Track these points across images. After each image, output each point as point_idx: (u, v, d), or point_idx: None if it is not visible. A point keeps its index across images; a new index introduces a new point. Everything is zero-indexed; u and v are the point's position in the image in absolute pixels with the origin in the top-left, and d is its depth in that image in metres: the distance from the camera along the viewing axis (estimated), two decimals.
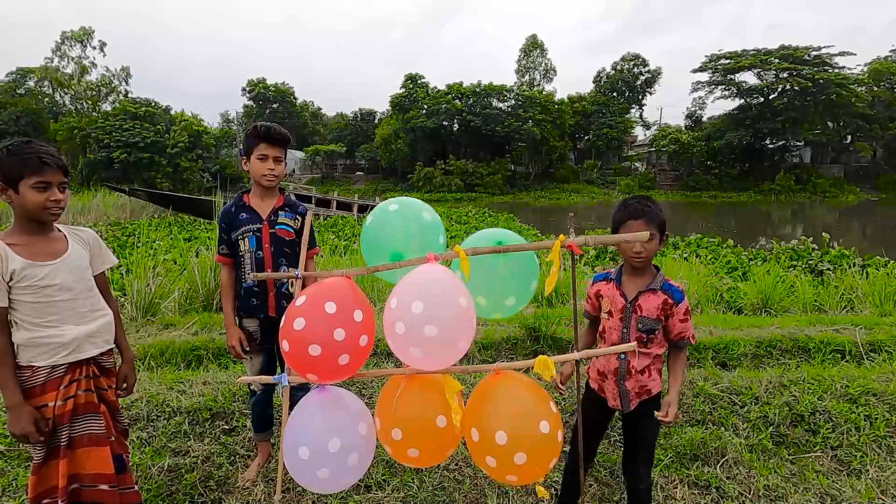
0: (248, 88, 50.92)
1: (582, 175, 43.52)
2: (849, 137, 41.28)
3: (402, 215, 1.83)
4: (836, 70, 36.65)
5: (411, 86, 41.25)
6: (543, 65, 48.95)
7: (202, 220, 17.76)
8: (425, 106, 40.01)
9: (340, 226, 16.42)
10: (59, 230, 1.85)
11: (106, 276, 2.00)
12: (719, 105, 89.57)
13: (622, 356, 1.94)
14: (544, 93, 43.68)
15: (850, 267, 6.71)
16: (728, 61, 39.11)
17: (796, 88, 36.49)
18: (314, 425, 1.64)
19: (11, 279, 1.67)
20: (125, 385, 2.01)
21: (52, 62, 40.06)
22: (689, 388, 3.18)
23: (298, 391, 2.02)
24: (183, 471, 2.48)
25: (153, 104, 39.02)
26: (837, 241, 9.70)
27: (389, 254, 1.76)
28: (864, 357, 3.83)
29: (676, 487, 2.44)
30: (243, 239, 2.35)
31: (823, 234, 9.39)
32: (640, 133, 52.22)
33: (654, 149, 43.53)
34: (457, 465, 2.60)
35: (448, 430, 1.63)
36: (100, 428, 1.82)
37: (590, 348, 2.09)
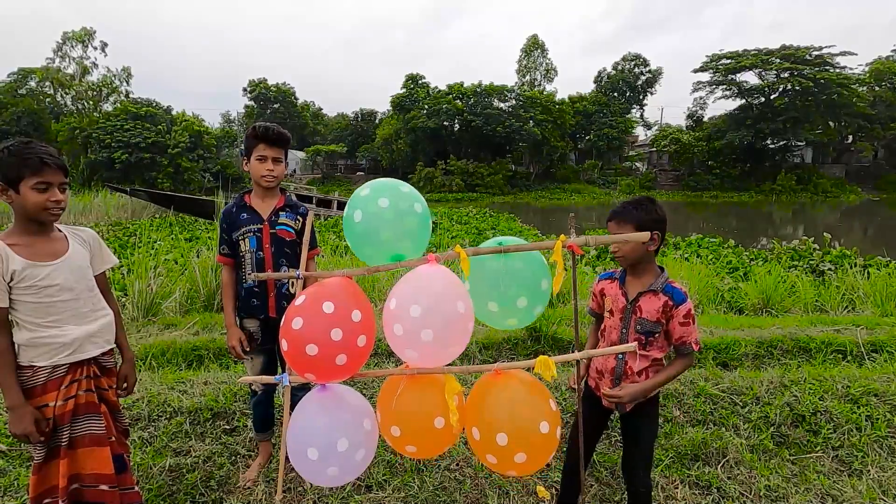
0: (249, 88, 50.99)
1: (583, 175, 43.51)
2: (850, 137, 41.22)
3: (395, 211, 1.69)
4: (838, 70, 36.62)
5: (412, 86, 41.27)
6: (544, 65, 48.97)
7: (203, 221, 17.76)
8: (426, 106, 40.02)
9: (341, 226, 16.40)
10: (60, 230, 1.85)
11: (106, 276, 2.01)
12: (720, 105, 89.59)
13: (620, 357, 1.93)
14: (545, 93, 43.70)
15: (851, 267, 6.70)
16: (729, 61, 39.09)
17: (797, 88, 36.46)
18: (321, 427, 1.65)
19: (12, 279, 1.67)
20: (125, 385, 2.01)
21: (54, 62, 40.16)
22: (690, 389, 3.17)
23: (299, 391, 2.02)
24: (184, 471, 2.49)
25: (154, 104, 39.06)
26: (839, 242, 9.68)
27: (389, 255, 1.75)
28: (866, 357, 3.83)
29: (677, 488, 2.44)
30: (244, 239, 2.36)
31: (825, 234, 9.38)
32: (641, 133, 52.24)
33: (655, 149, 43.50)
34: (458, 464, 2.60)
35: (445, 431, 1.65)
36: (100, 428, 1.82)
37: (595, 347, 2.08)
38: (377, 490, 2.40)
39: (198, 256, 6.19)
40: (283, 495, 2.35)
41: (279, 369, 2.49)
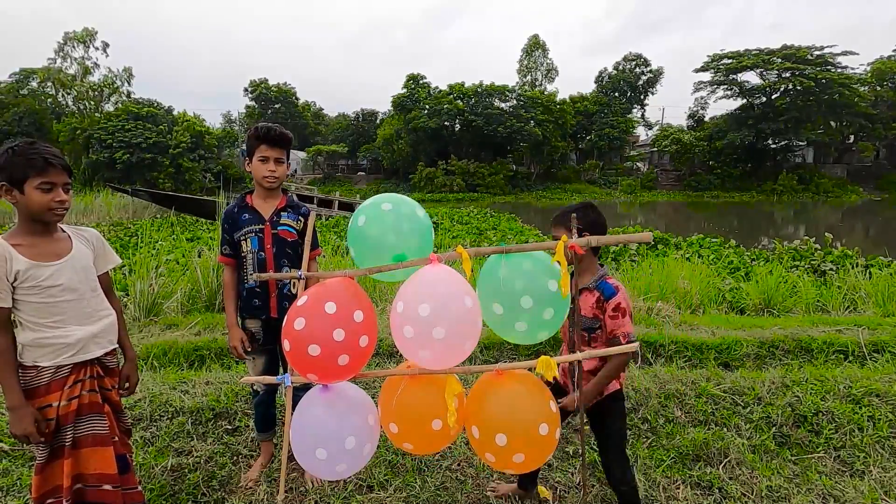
0: (250, 89, 51.01)
1: (584, 175, 43.49)
2: (851, 137, 41.16)
3: (397, 215, 1.77)
4: (839, 70, 36.57)
5: (413, 86, 41.27)
6: (545, 65, 48.93)
7: (204, 221, 17.79)
8: (427, 106, 40.02)
9: (342, 226, 16.42)
10: (63, 230, 1.85)
11: (109, 275, 2.01)
12: (721, 105, 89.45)
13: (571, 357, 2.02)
14: (546, 93, 43.67)
15: (853, 267, 6.69)
16: (730, 61, 39.05)
17: (799, 88, 36.42)
18: (330, 428, 1.66)
19: (16, 279, 1.68)
20: (127, 385, 2.01)
21: (55, 63, 40.22)
22: (692, 389, 3.17)
23: (301, 391, 2.03)
24: (186, 471, 2.49)
25: (155, 105, 39.10)
26: (840, 242, 9.67)
27: (392, 255, 1.76)
28: (868, 358, 3.82)
29: (679, 488, 2.44)
30: (245, 240, 2.36)
31: (826, 234, 9.37)
32: (642, 133, 52.21)
33: (656, 149, 43.48)
34: (459, 465, 2.60)
35: (442, 432, 1.65)
36: (103, 428, 1.82)
37: (562, 345, 2.14)
38: (379, 490, 2.40)
39: (199, 256, 6.19)
40: (285, 495, 2.35)
41: (281, 369, 2.49)
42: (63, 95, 40.85)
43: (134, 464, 2.30)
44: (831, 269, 7.10)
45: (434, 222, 15.34)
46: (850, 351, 3.89)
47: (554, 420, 1.60)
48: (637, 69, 47.33)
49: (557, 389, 2.06)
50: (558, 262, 1.63)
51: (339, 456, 1.65)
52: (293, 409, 1.76)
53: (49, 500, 1.77)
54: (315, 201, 20.87)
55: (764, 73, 38.45)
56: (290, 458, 2.29)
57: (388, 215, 1.74)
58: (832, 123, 38.85)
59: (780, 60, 37.08)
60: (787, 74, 37.23)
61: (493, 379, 1.68)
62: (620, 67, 47.55)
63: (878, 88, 38.16)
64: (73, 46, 40.30)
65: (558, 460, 2.64)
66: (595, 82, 48.58)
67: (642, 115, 49.76)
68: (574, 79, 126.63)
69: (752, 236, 17.09)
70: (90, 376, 1.82)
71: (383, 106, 57.77)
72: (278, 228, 2.37)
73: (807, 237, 9.08)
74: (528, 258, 1.66)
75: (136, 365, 2.07)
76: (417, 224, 1.77)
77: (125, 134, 34.26)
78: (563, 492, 2.41)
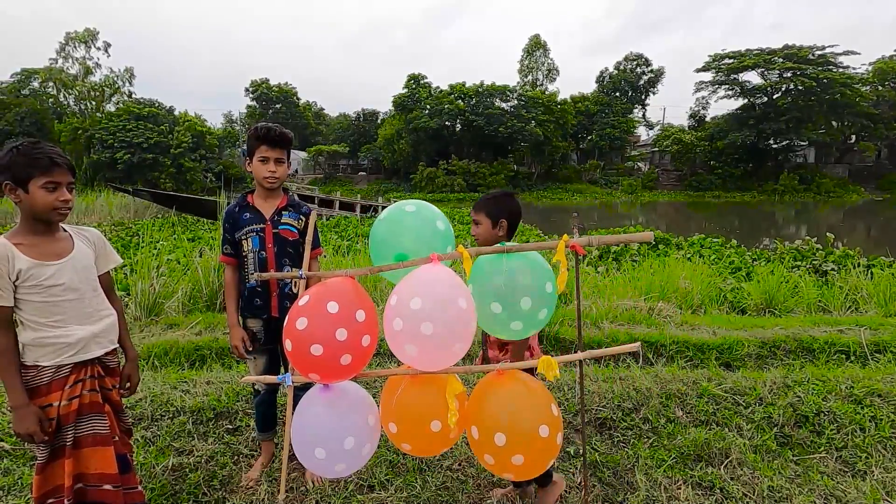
0: (251, 89, 51.08)
1: (585, 175, 43.49)
2: (853, 137, 41.10)
3: (419, 218, 1.84)
4: (841, 69, 36.56)
5: (414, 86, 41.29)
6: (546, 65, 48.95)
7: (205, 220, 17.82)
8: (428, 106, 40.04)
9: (343, 226, 16.44)
10: (65, 230, 1.85)
11: (110, 275, 2.01)
12: (723, 105, 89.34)
13: (482, 347, 2.13)
14: (547, 93, 43.68)
15: (854, 267, 6.68)
16: (731, 61, 39.04)
17: (800, 88, 36.40)
18: (328, 428, 1.66)
19: (18, 279, 1.68)
20: (128, 384, 2.01)
21: (57, 63, 40.30)
22: (693, 389, 3.17)
23: (302, 391, 2.02)
24: (187, 470, 2.49)
25: (157, 105, 39.19)
26: (842, 242, 9.66)
27: (393, 254, 1.76)
28: (869, 358, 3.81)
29: (680, 488, 2.43)
30: (247, 239, 2.36)
31: (828, 234, 9.35)
32: (643, 133, 52.20)
33: (657, 149, 43.47)
34: (459, 464, 2.60)
35: (441, 434, 1.65)
36: (104, 428, 1.82)
37: None
38: (380, 490, 2.40)
39: (200, 256, 6.20)
40: (286, 495, 2.35)
41: (282, 369, 2.49)
42: (64, 95, 40.97)
43: (135, 463, 2.30)
44: (833, 270, 7.10)
45: None
46: (852, 351, 3.89)
47: (555, 423, 1.59)
48: (638, 69, 47.33)
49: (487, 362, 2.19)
50: (558, 261, 1.62)
51: (337, 456, 1.65)
52: (294, 408, 1.76)
53: (50, 500, 1.77)
54: (316, 201, 20.90)
55: (765, 72, 38.43)
56: (291, 457, 2.29)
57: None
58: (833, 123, 38.82)
59: (781, 60, 37.07)
60: (789, 74, 37.21)
61: (494, 379, 1.67)
62: (621, 67, 47.55)
63: (880, 88, 38.11)
64: (75, 46, 40.43)
65: (559, 460, 2.64)
66: (596, 82, 48.64)
67: (643, 114, 49.77)
68: (575, 79, 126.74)
69: (754, 236, 17.07)
70: (91, 376, 1.82)
71: (384, 106, 57.83)
72: (279, 228, 2.37)
73: (808, 237, 9.07)
74: (524, 258, 1.67)
75: (138, 365, 2.07)
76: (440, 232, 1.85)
77: (126, 134, 34.32)
78: (564, 492, 2.41)
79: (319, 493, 2.37)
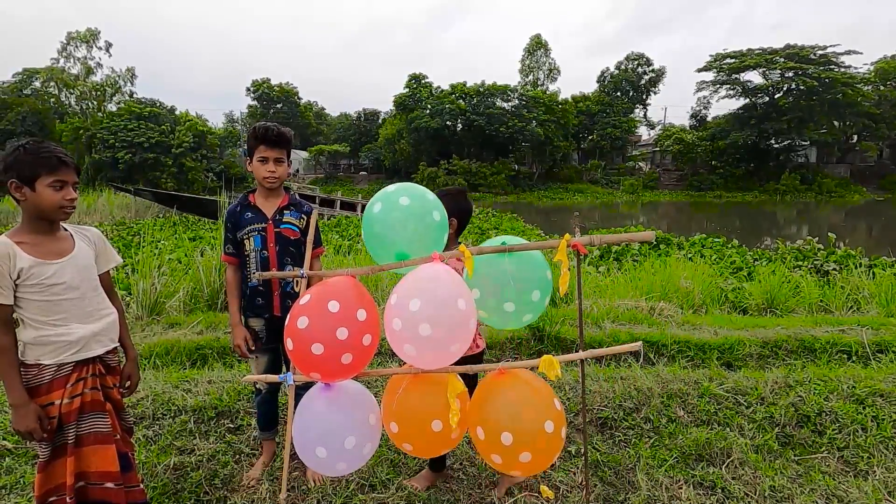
0: (252, 88, 51.13)
1: (586, 175, 43.46)
2: (855, 137, 41.05)
3: (413, 214, 1.78)
4: (843, 69, 36.50)
5: (415, 86, 41.30)
6: (547, 64, 48.96)
7: (206, 220, 17.84)
8: (429, 106, 40.05)
9: (344, 225, 16.44)
10: (66, 229, 1.86)
11: (110, 274, 2.02)
12: (724, 105, 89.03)
13: None
14: (548, 93, 43.69)
15: (856, 267, 6.67)
16: (733, 61, 38.99)
17: (802, 88, 36.35)
18: (329, 427, 1.66)
19: (19, 277, 1.69)
20: (128, 383, 2.02)
21: (58, 63, 40.36)
22: (695, 389, 3.17)
23: (304, 390, 2.03)
24: (188, 469, 2.49)
25: (158, 104, 39.26)
26: (843, 242, 9.64)
27: (394, 254, 1.76)
28: (871, 358, 3.81)
29: (681, 488, 2.43)
30: (248, 238, 2.36)
31: (829, 234, 9.34)
32: (644, 133, 52.17)
33: (658, 149, 43.45)
34: (461, 464, 2.60)
35: (442, 435, 1.65)
36: (105, 426, 1.83)
37: None
38: (381, 489, 2.40)
39: (201, 255, 6.20)
40: (287, 494, 2.35)
41: (283, 368, 2.49)
42: (66, 95, 41.04)
43: (136, 462, 2.31)
44: (834, 270, 7.08)
45: None
46: (854, 351, 3.88)
47: (559, 418, 1.59)
48: (639, 69, 47.29)
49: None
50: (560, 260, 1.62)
51: (339, 455, 1.66)
52: (295, 407, 1.76)
53: (51, 498, 1.77)
54: (317, 201, 20.91)
55: (767, 72, 38.39)
56: (292, 456, 2.29)
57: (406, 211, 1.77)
58: (835, 123, 38.77)
59: (782, 60, 37.01)
60: (790, 74, 37.16)
61: (496, 379, 1.67)
62: (622, 67, 47.52)
63: (882, 88, 38.05)
64: (76, 46, 40.50)
65: (560, 460, 2.64)
66: (597, 82, 48.59)
67: (644, 114, 49.75)
68: (576, 78, 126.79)
69: (755, 236, 17.05)
70: (92, 374, 1.83)
71: (385, 106, 57.94)
72: (281, 227, 2.37)
73: (810, 237, 9.06)
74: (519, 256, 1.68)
75: (138, 364, 2.07)
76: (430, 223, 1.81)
77: (128, 134, 34.37)
78: (565, 491, 2.41)
79: (320, 492, 2.37)
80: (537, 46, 48.62)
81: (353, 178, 46.47)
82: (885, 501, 2.36)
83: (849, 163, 41.22)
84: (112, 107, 39.96)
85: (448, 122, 40.46)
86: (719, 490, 2.42)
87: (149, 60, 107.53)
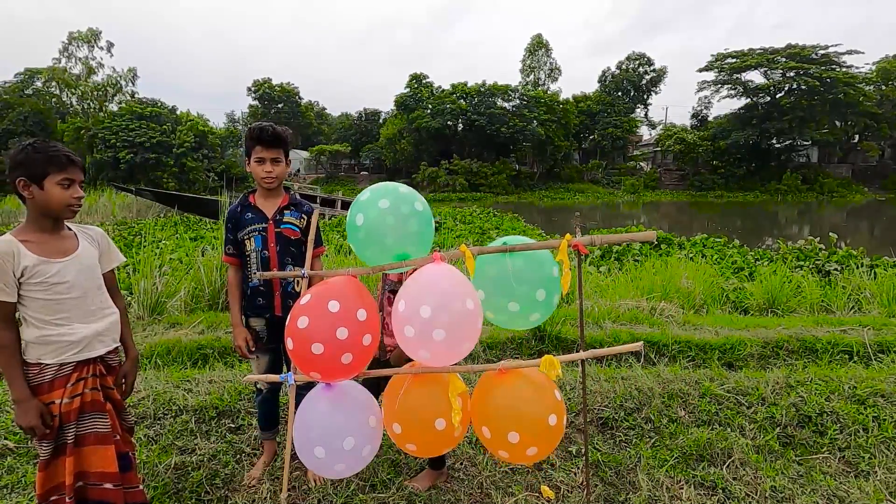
0: (253, 88, 51.14)
1: (587, 175, 43.42)
2: (856, 137, 40.95)
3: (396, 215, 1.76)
4: (844, 69, 36.40)
5: (416, 86, 41.30)
6: (548, 64, 48.93)
7: (208, 220, 17.86)
8: (430, 106, 40.04)
9: (345, 225, 16.44)
10: (70, 228, 1.87)
11: (114, 274, 2.03)
12: (725, 104, 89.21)
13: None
14: (549, 92, 43.65)
15: (857, 267, 6.66)
16: (734, 60, 38.92)
17: (803, 87, 36.27)
18: (328, 428, 1.66)
19: (23, 276, 1.69)
20: (124, 381, 2.00)
21: (60, 63, 40.39)
22: (695, 389, 3.16)
23: (304, 390, 2.03)
24: (189, 469, 2.50)
25: (159, 104, 39.24)
26: (845, 242, 9.63)
27: (395, 254, 1.76)
28: (873, 358, 3.80)
29: (682, 488, 2.43)
30: (249, 239, 2.36)
31: (831, 234, 9.32)
32: (645, 133, 52.10)
33: (659, 148, 43.38)
34: (462, 463, 2.60)
35: (446, 432, 1.65)
36: (105, 427, 1.83)
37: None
38: (382, 489, 2.40)
39: (202, 255, 6.21)
40: (288, 493, 2.35)
41: (284, 368, 2.50)
42: (67, 95, 41.05)
43: (137, 462, 2.31)
44: (836, 269, 7.07)
45: (437, 222, 15.34)
46: (855, 351, 3.88)
47: (560, 409, 1.62)
48: (640, 69, 47.22)
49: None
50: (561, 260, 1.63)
51: (337, 456, 1.66)
52: (296, 407, 1.76)
53: (53, 497, 1.78)
54: (318, 201, 20.94)
55: (768, 72, 38.31)
56: (293, 456, 2.29)
57: (388, 215, 1.75)
58: (837, 123, 38.68)
59: (784, 60, 36.93)
60: (792, 74, 37.08)
61: (496, 378, 1.68)
62: (624, 67, 47.45)
63: (884, 88, 37.94)
64: (78, 46, 40.52)
65: (561, 460, 2.64)
66: (598, 82, 48.52)
67: (645, 114, 49.68)
68: (577, 78, 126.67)
69: (756, 236, 17.04)
70: (93, 374, 1.83)
71: (386, 105, 57.96)
72: (282, 227, 2.37)
73: (811, 237, 9.04)
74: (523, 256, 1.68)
75: (137, 364, 2.07)
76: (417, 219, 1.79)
77: (129, 134, 34.40)
78: (566, 491, 2.41)
79: (321, 491, 2.37)
80: (538, 46, 48.59)
81: (354, 177, 46.47)
82: (886, 502, 2.35)
83: (850, 163, 41.12)
84: (113, 107, 39.99)
85: (449, 122, 40.45)
86: (720, 490, 2.41)
87: (150, 60, 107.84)
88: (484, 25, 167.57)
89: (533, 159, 43.17)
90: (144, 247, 7.60)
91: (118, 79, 41.34)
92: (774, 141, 39.20)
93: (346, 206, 21.76)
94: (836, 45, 36.84)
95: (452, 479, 2.49)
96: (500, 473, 2.52)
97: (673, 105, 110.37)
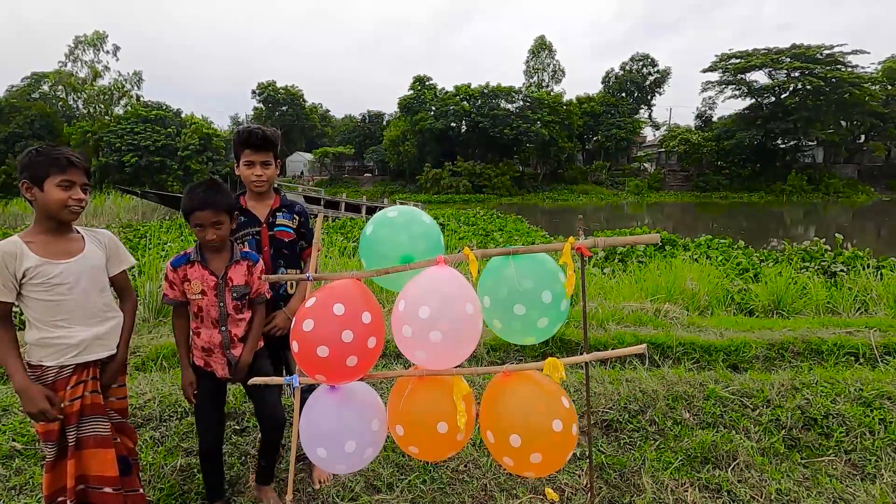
0: (257, 91, 51.38)
1: (591, 176, 43.35)
2: (862, 137, 40.72)
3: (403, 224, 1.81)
4: (850, 69, 36.22)
5: (419, 87, 41.38)
6: (552, 66, 48.90)
7: None
8: (433, 107, 40.12)
9: (349, 227, 16.48)
10: (78, 231, 1.90)
11: (126, 275, 2.06)
12: (730, 105, 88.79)
13: (223, 328, 2.09)
14: (553, 94, 43.61)
15: (864, 268, 6.61)
16: (739, 61, 38.79)
17: (808, 87, 36.10)
18: (329, 429, 1.67)
19: (24, 276, 1.72)
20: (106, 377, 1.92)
21: (66, 66, 40.68)
22: (700, 391, 3.15)
23: (309, 393, 2.04)
24: (195, 470, 2.51)
25: (164, 107, 39.50)
26: (851, 242, 9.56)
27: (399, 256, 1.76)
28: (879, 360, 3.78)
29: (687, 491, 2.42)
30: (242, 242, 2.35)
31: (837, 234, 9.26)
32: (649, 133, 52.00)
33: (663, 149, 43.27)
34: (465, 466, 2.60)
35: (448, 437, 1.65)
36: (105, 430, 1.85)
37: (187, 331, 2.16)
38: (385, 491, 2.41)
39: None
40: (293, 495, 2.36)
41: (284, 371, 2.51)
42: (74, 99, 41.33)
43: (143, 464, 2.33)
44: (842, 271, 7.03)
45: (440, 224, 15.36)
46: (861, 353, 3.85)
47: (568, 416, 1.59)
48: (644, 69, 47.16)
49: (208, 376, 2.15)
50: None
51: (338, 457, 1.68)
52: (301, 410, 1.77)
53: (60, 499, 1.79)
54: (322, 203, 20.98)
55: (773, 72, 38.16)
56: (298, 458, 2.30)
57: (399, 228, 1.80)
58: (842, 123, 38.47)
59: (789, 60, 36.80)
60: (797, 74, 36.93)
61: (502, 381, 1.68)
62: (627, 68, 47.40)
63: (890, 87, 37.72)
64: (84, 50, 40.76)
65: (568, 462, 2.63)
66: (602, 83, 48.48)
67: (649, 115, 49.62)
68: (581, 80, 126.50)
69: (761, 237, 16.95)
70: (93, 377, 1.85)
71: (390, 107, 58.07)
72: (275, 229, 2.36)
73: (817, 238, 8.99)
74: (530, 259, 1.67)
75: (121, 367, 1.97)
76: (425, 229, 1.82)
77: (134, 137, 34.64)
78: (570, 494, 2.41)
79: (325, 494, 2.38)
80: (541, 48, 48.59)
81: (357, 179, 46.60)
82: None
83: (856, 163, 40.88)
84: (119, 110, 40.26)
85: (452, 124, 40.50)
86: (725, 493, 2.41)
87: (155, 63, 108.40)
88: (488, 28, 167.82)
89: (536, 161, 43.14)
90: (149, 249, 7.65)
91: (124, 82, 41.58)
92: (779, 141, 39.06)
93: (349, 208, 21.81)
94: (841, 45, 36.72)
95: (456, 481, 2.50)
96: (504, 475, 2.52)
97: (677, 106, 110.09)
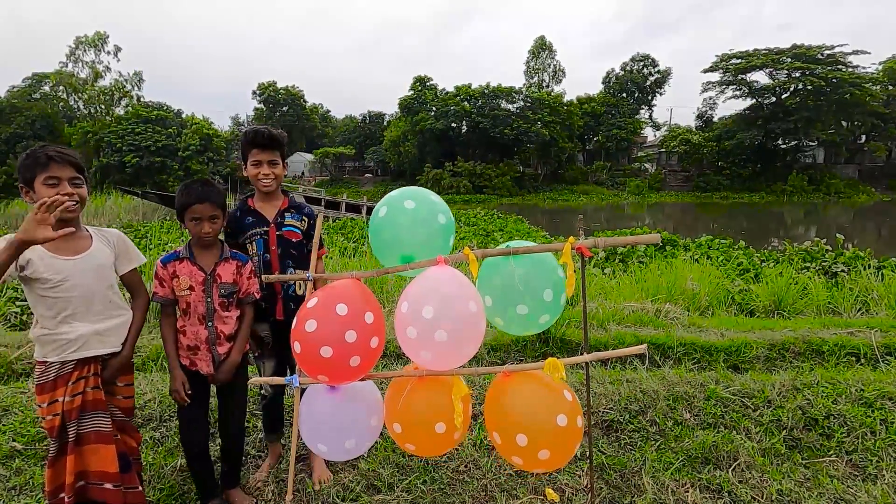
0: (258, 91, 51.41)
1: (591, 176, 43.33)
2: (863, 137, 40.67)
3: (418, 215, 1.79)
4: (850, 69, 36.16)
5: (420, 88, 41.37)
6: (552, 66, 48.88)
7: None
8: (434, 108, 40.10)
9: (349, 227, 16.48)
10: (87, 230, 1.91)
11: (137, 272, 2.07)
12: (730, 105, 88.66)
13: (210, 324, 2.11)
14: (553, 94, 43.61)
15: (865, 269, 6.60)
16: (739, 61, 38.76)
17: (809, 88, 36.06)
18: (329, 428, 1.68)
19: (25, 268, 1.73)
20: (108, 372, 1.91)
21: (67, 67, 40.69)
22: (701, 391, 3.15)
23: None
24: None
25: (165, 108, 39.50)
26: (852, 243, 9.55)
27: (399, 256, 1.77)
28: (880, 360, 3.77)
29: (688, 491, 2.42)
30: (251, 243, 2.35)
31: (837, 235, 9.25)
32: (649, 134, 51.96)
33: (664, 149, 43.23)
34: (466, 466, 2.60)
35: (445, 436, 1.66)
36: (106, 426, 1.85)
37: (175, 331, 2.16)
38: (386, 491, 2.41)
39: None
40: (293, 496, 2.36)
41: (288, 371, 2.51)
42: (74, 99, 41.35)
43: (143, 464, 2.33)
44: (843, 271, 7.02)
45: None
46: (863, 353, 3.85)
47: (572, 409, 1.60)
48: (645, 70, 47.13)
49: (193, 374, 2.16)
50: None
51: (338, 454, 1.73)
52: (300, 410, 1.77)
53: (61, 494, 1.80)
54: (322, 203, 20.99)
55: (773, 72, 38.12)
56: (298, 459, 2.30)
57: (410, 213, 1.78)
58: (843, 123, 38.41)
59: (789, 60, 36.75)
60: (797, 74, 36.88)
61: (503, 381, 1.68)
62: (628, 68, 47.36)
63: (891, 88, 37.65)
64: (85, 50, 40.76)
65: (566, 462, 2.63)
66: (602, 83, 48.43)
67: (650, 115, 49.58)
68: (582, 80, 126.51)
69: (762, 237, 16.94)
70: (94, 374, 1.86)
71: (390, 108, 58.09)
72: (283, 230, 2.37)
73: (817, 238, 8.98)
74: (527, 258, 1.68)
75: (125, 364, 1.97)
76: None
77: (135, 137, 34.65)
78: (570, 494, 2.40)
79: (325, 494, 2.38)
80: (542, 48, 48.58)
81: (358, 180, 46.60)
82: None
83: (857, 163, 40.84)
84: (120, 110, 40.26)
85: (453, 124, 40.48)
86: (726, 493, 2.40)
87: (156, 63, 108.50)
88: (488, 28, 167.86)
89: (537, 161, 43.11)
90: (151, 249, 7.65)
91: (124, 83, 41.59)
92: (780, 141, 39.02)
93: (350, 208, 21.81)
94: (842, 46, 36.66)
95: (457, 481, 2.49)
96: (505, 476, 2.52)
97: (678, 106, 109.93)
